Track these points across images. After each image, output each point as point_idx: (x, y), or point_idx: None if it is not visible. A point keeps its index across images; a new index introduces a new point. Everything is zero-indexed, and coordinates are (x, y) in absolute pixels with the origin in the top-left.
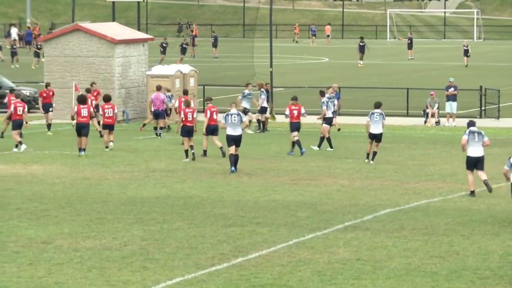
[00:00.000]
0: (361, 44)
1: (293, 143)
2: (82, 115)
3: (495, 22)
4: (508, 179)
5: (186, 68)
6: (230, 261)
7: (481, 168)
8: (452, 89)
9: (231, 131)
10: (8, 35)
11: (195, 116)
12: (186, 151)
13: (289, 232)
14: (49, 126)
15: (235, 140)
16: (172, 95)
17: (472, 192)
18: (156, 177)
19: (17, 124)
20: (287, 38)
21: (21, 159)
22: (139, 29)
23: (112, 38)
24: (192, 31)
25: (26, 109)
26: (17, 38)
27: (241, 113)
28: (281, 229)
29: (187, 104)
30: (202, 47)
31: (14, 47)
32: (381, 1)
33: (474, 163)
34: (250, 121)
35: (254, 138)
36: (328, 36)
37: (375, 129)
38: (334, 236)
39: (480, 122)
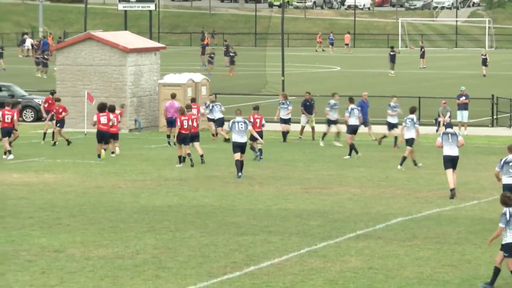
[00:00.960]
0: (391, 53)
1: (260, 150)
2: (102, 122)
3: (507, 31)
4: (499, 179)
5: (198, 77)
6: (242, 269)
7: (454, 167)
8: (464, 98)
9: (237, 138)
10: (22, 44)
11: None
12: (180, 157)
13: (301, 240)
14: (45, 134)
15: (241, 147)
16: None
17: (452, 190)
18: (168, 185)
19: (6, 132)
20: (298, 47)
21: (33, 167)
22: (151, 38)
23: (124, 47)
24: (203, 40)
25: (15, 117)
26: (30, 47)
27: (247, 121)
28: (293, 237)
29: (182, 112)
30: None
31: (46, 57)
32: (392, 10)
33: (450, 161)
34: (338, 133)
35: (265, 146)
36: (347, 44)
37: (408, 135)
38: (346, 245)
39: (492, 131)
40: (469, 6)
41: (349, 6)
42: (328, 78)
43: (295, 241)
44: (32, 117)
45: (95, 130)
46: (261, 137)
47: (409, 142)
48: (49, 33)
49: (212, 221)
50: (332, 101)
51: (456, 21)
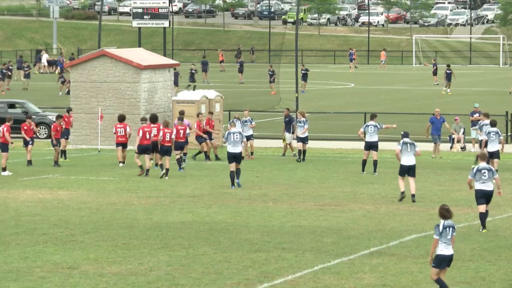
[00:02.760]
0: (448, 72)
1: (178, 160)
2: (153, 133)
3: None
4: (471, 187)
5: (211, 94)
6: (255, 286)
7: (413, 175)
8: (477, 114)
9: (231, 149)
10: (39, 61)
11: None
12: (162, 166)
13: (315, 257)
14: (64, 153)
15: (235, 157)
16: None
17: (403, 193)
18: (182, 202)
19: None
20: (312, 64)
21: (47, 184)
22: (165, 55)
23: (138, 64)
24: (239, 57)
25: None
26: (46, 63)
27: (241, 132)
28: (307, 254)
29: (166, 125)
30: (228, 72)
31: (63, 77)
32: (406, 27)
33: (407, 171)
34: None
35: (279, 163)
36: (383, 61)
37: (492, 148)
38: (360, 262)
39: (506, 148)
40: (483, 23)
41: (363, 23)
42: (342, 94)
43: (309, 258)
44: (45, 133)
45: (108, 147)
46: (183, 147)
47: (496, 154)
48: (61, 50)
49: (225, 238)
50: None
51: (470, 38)
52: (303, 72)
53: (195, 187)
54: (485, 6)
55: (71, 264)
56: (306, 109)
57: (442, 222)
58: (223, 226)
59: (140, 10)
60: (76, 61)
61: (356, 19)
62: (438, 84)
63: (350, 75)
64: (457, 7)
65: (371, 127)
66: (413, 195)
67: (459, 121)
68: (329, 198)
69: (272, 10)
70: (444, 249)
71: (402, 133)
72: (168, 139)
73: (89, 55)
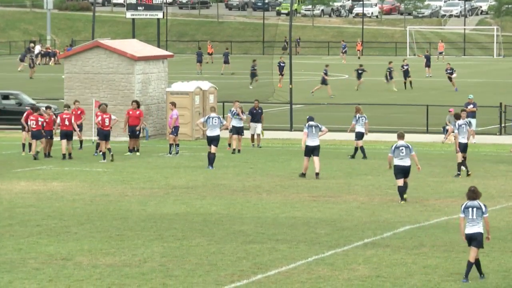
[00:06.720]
0: None
1: (97, 145)
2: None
3: None
4: (391, 166)
5: (205, 85)
6: (249, 278)
7: (317, 155)
8: (472, 106)
9: (210, 132)
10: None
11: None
12: (104, 153)
13: (309, 248)
14: (23, 146)
15: (213, 140)
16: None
17: (303, 174)
18: (175, 193)
19: None
20: (306, 55)
21: (41, 175)
22: (159, 46)
23: (132, 55)
24: (285, 49)
25: None
26: (39, 55)
27: (220, 117)
28: (301, 245)
29: (104, 111)
30: (221, 64)
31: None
32: (400, 18)
33: (312, 151)
34: None
35: (273, 155)
36: (441, 53)
37: None
38: (353, 253)
39: (500, 139)
40: (477, 14)
41: (357, 14)
42: (335, 86)
43: (303, 249)
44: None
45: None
46: (108, 136)
47: None
48: (55, 41)
49: (219, 229)
50: None
51: (464, 29)
52: (448, 72)
53: (189, 179)
54: None
55: (65, 255)
56: (300, 100)
57: (465, 202)
58: (217, 218)
59: (134, 1)
60: (70, 52)
61: (350, 10)
62: (431, 76)
63: (344, 67)
64: None
65: (362, 118)
66: (317, 174)
67: (453, 112)
68: (323, 189)
69: (266, 1)
70: (466, 228)
71: (307, 117)
72: (107, 124)
73: (83, 46)
